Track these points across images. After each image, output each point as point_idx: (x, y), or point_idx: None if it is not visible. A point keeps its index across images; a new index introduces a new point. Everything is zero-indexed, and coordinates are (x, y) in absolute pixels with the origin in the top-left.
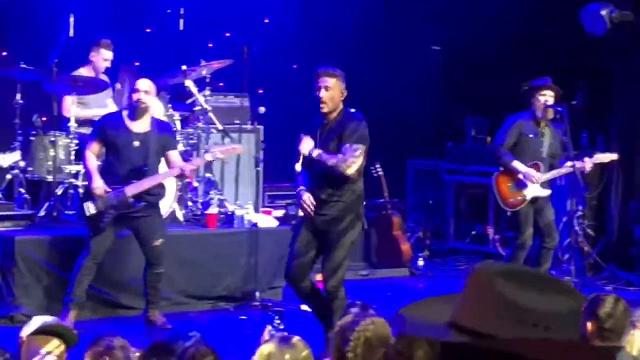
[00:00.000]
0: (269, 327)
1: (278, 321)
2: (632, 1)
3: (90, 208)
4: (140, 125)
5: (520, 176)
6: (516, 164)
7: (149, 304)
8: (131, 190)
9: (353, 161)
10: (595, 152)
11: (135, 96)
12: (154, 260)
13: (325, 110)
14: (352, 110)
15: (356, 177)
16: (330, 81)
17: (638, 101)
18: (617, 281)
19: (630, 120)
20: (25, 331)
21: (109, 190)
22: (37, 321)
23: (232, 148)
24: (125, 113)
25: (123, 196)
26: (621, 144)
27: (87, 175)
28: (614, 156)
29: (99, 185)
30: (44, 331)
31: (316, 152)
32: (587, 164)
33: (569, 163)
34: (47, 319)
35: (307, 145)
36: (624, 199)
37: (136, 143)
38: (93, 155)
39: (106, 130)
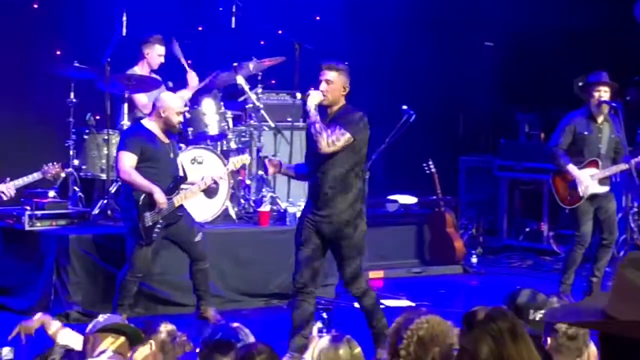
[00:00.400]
0: (317, 324)
1: (325, 317)
2: None
3: (147, 220)
4: (165, 136)
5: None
6: (570, 168)
7: (199, 301)
8: (178, 200)
9: (334, 140)
10: None
11: (180, 120)
12: (199, 256)
13: (325, 103)
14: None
15: (353, 178)
16: (331, 74)
17: None
18: None
19: None
20: (91, 328)
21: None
22: (102, 319)
23: (240, 159)
24: (153, 125)
25: (172, 207)
26: None
27: (139, 187)
28: None
29: (164, 197)
30: (109, 329)
31: (313, 112)
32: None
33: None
34: (113, 317)
35: (314, 98)
36: None
37: (172, 154)
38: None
39: (145, 144)
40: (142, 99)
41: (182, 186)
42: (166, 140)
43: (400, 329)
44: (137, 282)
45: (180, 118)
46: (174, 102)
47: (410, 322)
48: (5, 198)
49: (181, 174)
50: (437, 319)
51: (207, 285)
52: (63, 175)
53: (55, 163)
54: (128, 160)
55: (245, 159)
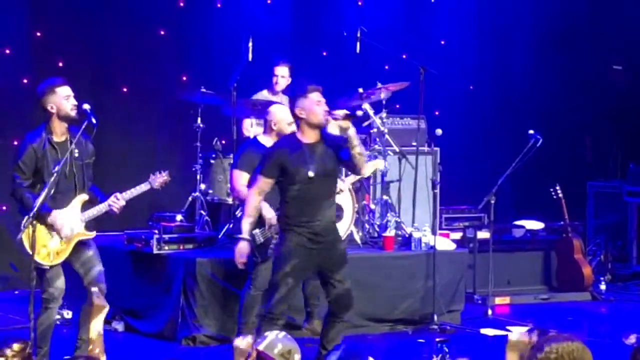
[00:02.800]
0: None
1: (445, 350)
2: None
3: (258, 237)
4: None
5: None
6: None
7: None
8: None
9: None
10: None
11: (294, 129)
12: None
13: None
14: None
15: None
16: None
17: None
18: None
19: None
20: (261, 345)
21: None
22: (271, 336)
23: (374, 164)
24: (267, 140)
25: None
26: None
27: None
28: None
29: (271, 211)
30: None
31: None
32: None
33: None
34: (280, 334)
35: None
36: None
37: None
38: None
39: (257, 160)
40: (246, 122)
41: None
42: None
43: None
44: (260, 298)
45: (293, 127)
46: (284, 114)
47: (551, 341)
48: (116, 210)
49: None
50: (580, 346)
51: (320, 300)
52: (168, 179)
53: (162, 172)
54: (240, 179)
55: (378, 163)
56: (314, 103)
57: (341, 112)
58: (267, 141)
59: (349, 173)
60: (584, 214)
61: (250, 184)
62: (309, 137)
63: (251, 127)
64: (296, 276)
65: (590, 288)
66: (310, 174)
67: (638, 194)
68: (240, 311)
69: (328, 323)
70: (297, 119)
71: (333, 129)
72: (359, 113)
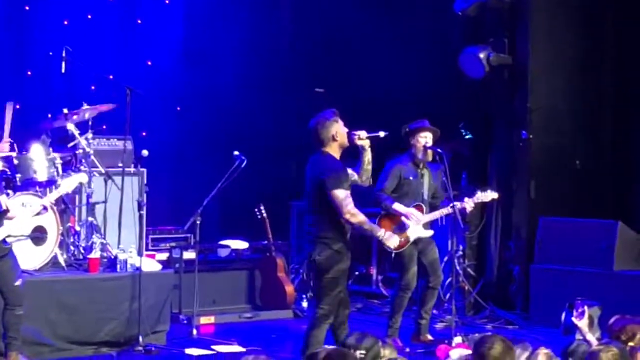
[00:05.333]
0: None
1: None
2: (508, 44)
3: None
4: None
5: (403, 218)
6: (397, 206)
7: (7, 348)
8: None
9: None
10: (476, 191)
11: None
12: (17, 301)
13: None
14: None
15: None
16: None
17: (515, 143)
18: (497, 320)
19: (508, 160)
20: None
21: None
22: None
23: (75, 178)
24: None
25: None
26: (499, 184)
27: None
28: (494, 195)
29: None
30: None
31: None
32: (468, 203)
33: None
34: None
35: None
36: (503, 239)
37: None
38: None
39: None
40: None
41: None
42: None
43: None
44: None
45: None
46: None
47: None
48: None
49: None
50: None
51: (18, 331)
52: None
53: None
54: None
55: (81, 177)
56: (342, 127)
57: (363, 134)
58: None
59: None
60: (288, 233)
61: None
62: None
63: None
64: None
65: (293, 306)
66: None
67: None
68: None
69: None
70: (331, 141)
71: None
72: (381, 134)
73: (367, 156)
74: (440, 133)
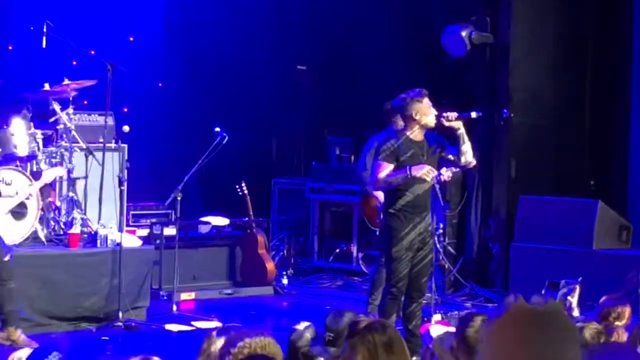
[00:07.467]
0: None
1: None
2: (490, 23)
3: None
4: None
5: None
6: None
7: (6, 323)
8: None
9: None
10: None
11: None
12: (8, 275)
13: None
14: None
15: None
16: None
17: (497, 121)
18: (476, 298)
19: (489, 139)
20: None
21: None
22: None
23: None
24: None
25: None
26: (480, 163)
27: None
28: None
29: None
30: None
31: None
32: (445, 174)
33: None
34: None
35: None
36: (483, 217)
37: None
38: None
39: None
40: None
41: None
42: None
43: (226, 349)
44: None
45: None
46: None
47: (236, 341)
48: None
49: None
50: (271, 340)
51: (14, 303)
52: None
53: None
54: None
55: (59, 171)
56: (428, 107)
57: (452, 115)
58: None
59: None
60: (269, 210)
61: None
62: (418, 136)
63: None
64: None
65: (274, 282)
66: None
67: (319, 191)
68: None
69: None
70: (410, 120)
71: None
72: (473, 115)
73: (465, 139)
74: None
